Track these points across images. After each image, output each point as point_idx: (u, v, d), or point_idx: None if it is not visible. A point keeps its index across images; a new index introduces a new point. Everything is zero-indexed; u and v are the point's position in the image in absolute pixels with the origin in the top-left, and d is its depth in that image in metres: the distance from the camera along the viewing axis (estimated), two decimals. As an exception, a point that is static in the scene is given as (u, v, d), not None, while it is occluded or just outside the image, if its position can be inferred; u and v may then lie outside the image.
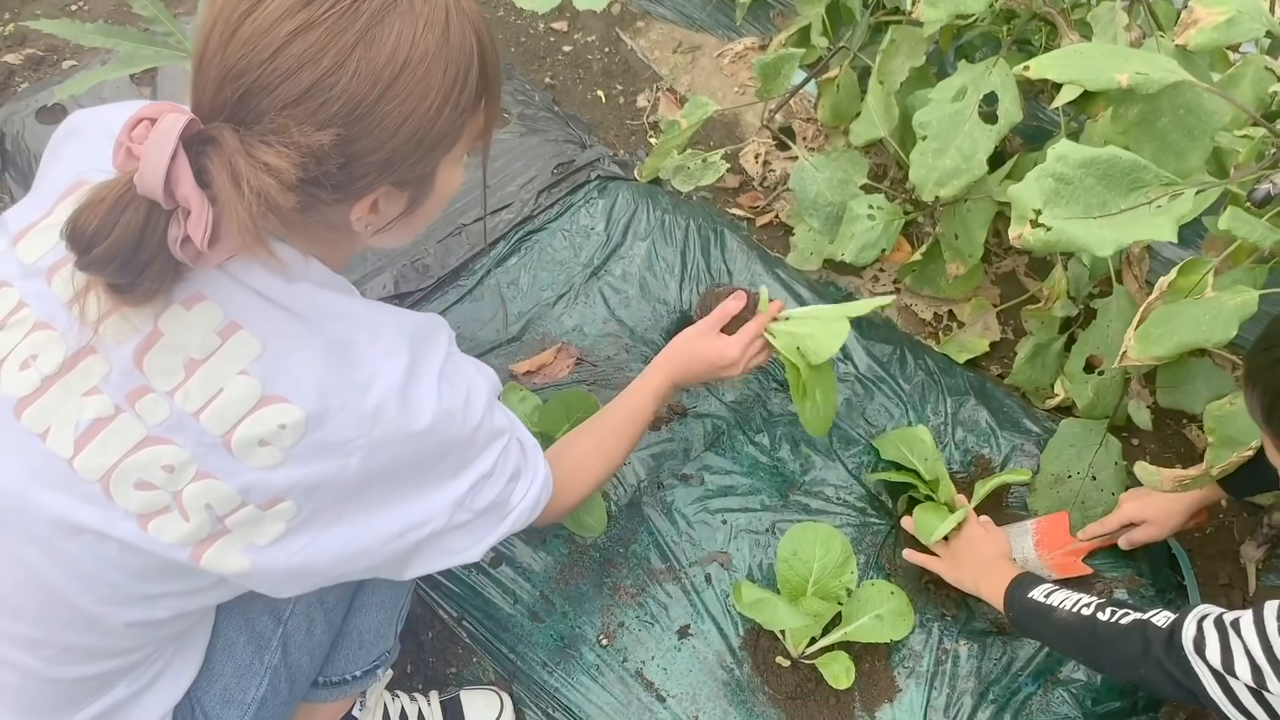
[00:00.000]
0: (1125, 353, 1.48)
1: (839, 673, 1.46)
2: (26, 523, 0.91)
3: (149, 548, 0.92)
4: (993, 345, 1.89)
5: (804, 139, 2.17)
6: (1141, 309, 1.47)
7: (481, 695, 1.51)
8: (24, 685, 0.99)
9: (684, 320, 1.84)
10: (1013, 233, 1.31)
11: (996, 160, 1.81)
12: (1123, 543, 1.56)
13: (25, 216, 0.97)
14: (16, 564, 0.93)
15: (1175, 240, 1.27)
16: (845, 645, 1.50)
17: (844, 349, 1.80)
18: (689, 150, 1.90)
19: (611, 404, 1.38)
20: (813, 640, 1.50)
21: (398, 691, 1.49)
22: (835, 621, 1.51)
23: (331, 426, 0.91)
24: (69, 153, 1.01)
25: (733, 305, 1.47)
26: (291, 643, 1.18)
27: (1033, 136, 1.99)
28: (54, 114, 2.11)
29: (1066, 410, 1.80)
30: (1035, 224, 1.28)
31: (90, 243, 0.81)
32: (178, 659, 1.10)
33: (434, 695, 1.50)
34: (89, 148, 0.99)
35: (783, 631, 1.51)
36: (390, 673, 1.43)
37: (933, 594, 1.57)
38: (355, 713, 1.42)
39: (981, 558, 1.49)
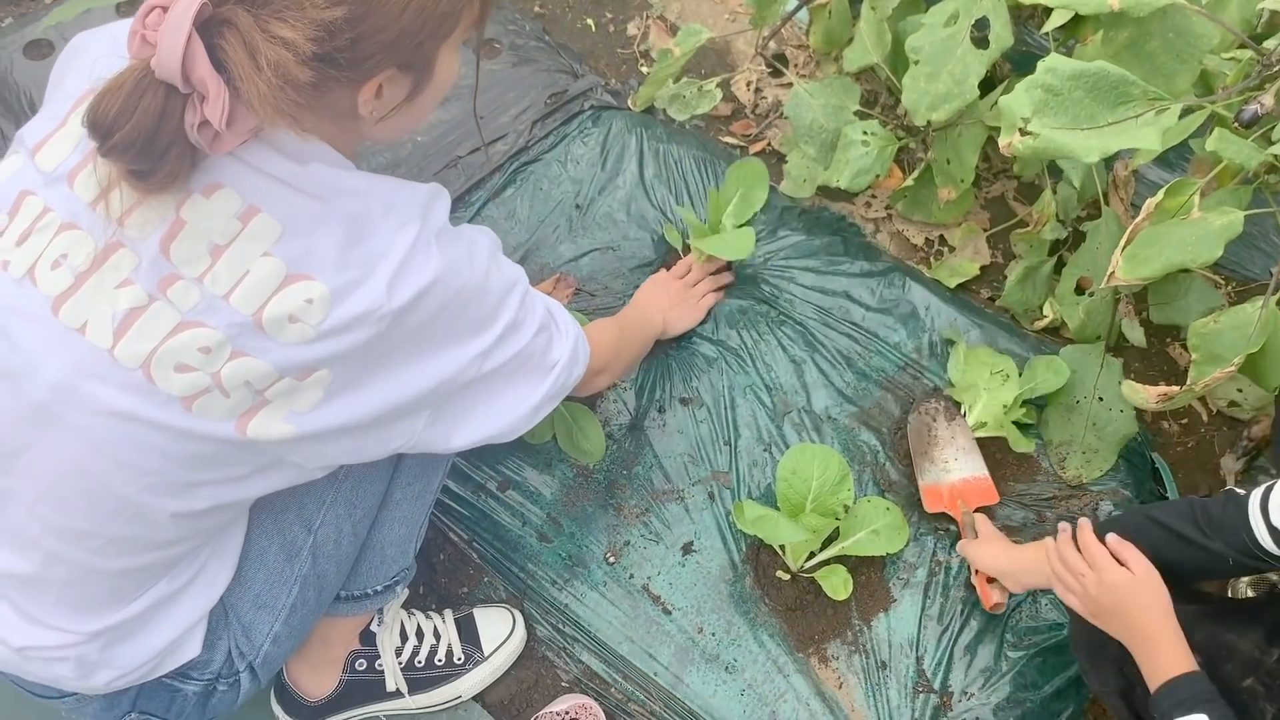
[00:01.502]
0: (1113, 273, 1.53)
1: (837, 585, 1.52)
2: (74, 415, 0.95)
3: (195, 427, 0.96)
4: (983, 269, 1.93)
5: (796, 66, 2.18)
6: (1129, 230, 1.51)
7: (494, 612, 1.56)
8: (71, 578, 1.04)
9: (676, 251, 1.87)
10: (1002, 141, 1.35)
11: (987, 85, 1.83)
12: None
13: (41, 129, 1.01)
14: (64, 456, 0.97)
15: (1159, 148, 1.30)
16: (842, 559, 1.56)
17: (828, 268, 1.85)
18: (684, 79, 1.91)
19: (625, 315, 1.62)
20: (811, 555, 1.56)
21: (413, 610, 1.55)
22: (833, 537, 1.56)
23: (356, 297, 0.96)
24: (77, 66, 1.03)
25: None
26: (321, 553, 1.23)
27: (1022, 62, 2.01)
28: (40, 49, 2.10)
29: (1054, 331, 1.85)
30: (1024, 132, 1.32)
31: (111, 128, 0.85)
32: (212, 563, 1.16)
33: (448, 613, 1.56)
34: (98, 58, 1.01)
35: (782, 546, 1.57)
36: (406, 592, 1.48)
37: (925, 509, 1.63)
38: (373, 628, 1.48)
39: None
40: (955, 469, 1.63)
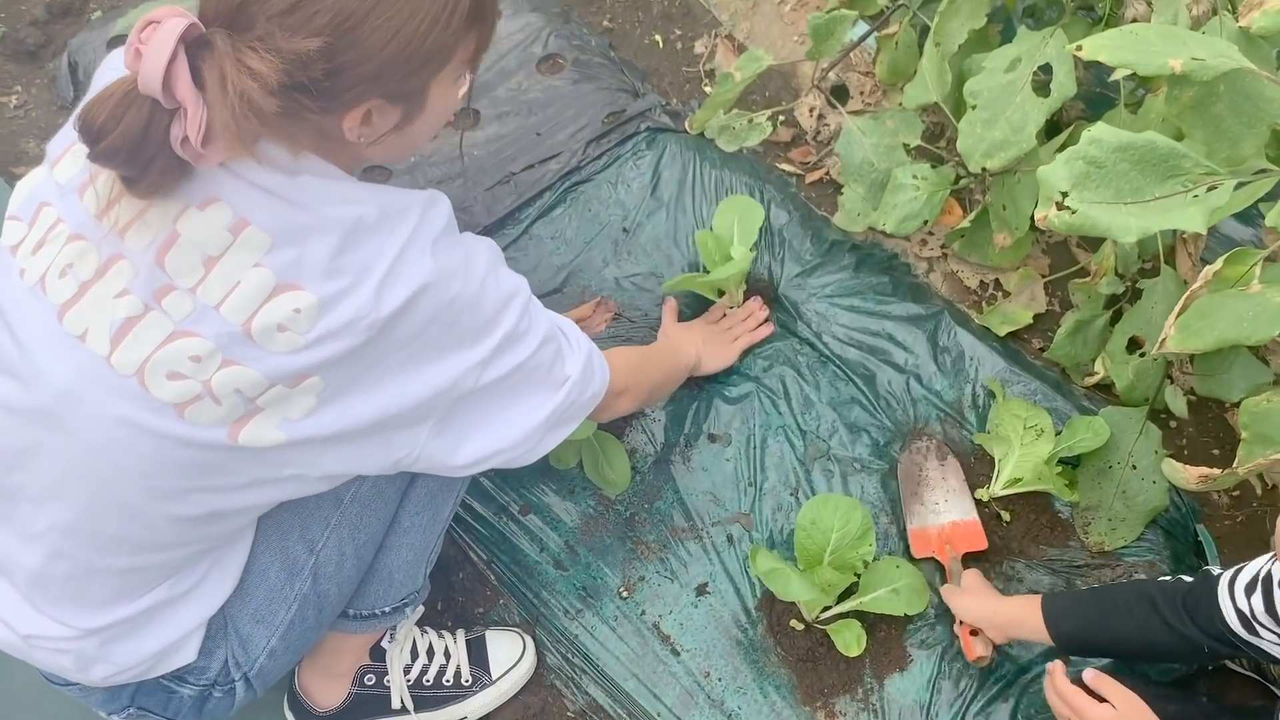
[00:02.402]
0: (1164, 341, 1.46)
1: (850, 640, 1.50)
2: (77, 419, 1.00)
3: (188, 434, 0.99)
4: (1036, 317, 1.86)
5: (861, 93, 2.13)
6: (1184, 297, 1.44)
7: (506, 636, 1.58)
8: (73, 574, 1.08)
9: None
10: (1038, 214, 1.30)
11: (1053, 129, 1.77)
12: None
13: (62, 142, 1.06)
14: (68, 458, 1.02)
15: (1203, 229, 1.24)
16: (860, 614, 1.53)
17: (875, 309, 1.81)
18: (734, 110, 1.89)
19: (654, 344, 1.67)
20: (827, 608, 1.53)
21: (426, 628, 1.57)
22: (852, 590, 1.54)
23: (344, 305, 0.98)
24: (105, 80, 1.06)
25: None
26: (322, 574, 1.26)
27: (1094, 103, 1.93)
28: (122, 43, 2.16)
29: (1105, 388, 1.78)
30: (1061, 206, 1.27)
31: (98, 134, 0.89)
32: (214, 573, 1.19)
33: (460, 634, 1.57)
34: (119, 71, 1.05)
35: (798, 596, 1.55)
36: (421, 609, 1.50)
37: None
38: (384, 644, 1.50)
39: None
40: (944, 512, 1.59)
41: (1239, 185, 1.29)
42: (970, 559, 1.58)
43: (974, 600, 1.47)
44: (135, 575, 1.11)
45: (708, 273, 1.77)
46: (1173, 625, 1.22)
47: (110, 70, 1.06)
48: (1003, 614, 1.42)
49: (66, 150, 1.04)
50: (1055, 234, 1.99)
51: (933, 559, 1.59)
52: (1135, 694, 1.21)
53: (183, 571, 1.15)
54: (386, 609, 1.41)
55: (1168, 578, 1.31)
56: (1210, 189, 1.23)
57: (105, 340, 0.98)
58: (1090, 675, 1.25)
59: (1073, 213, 1.19)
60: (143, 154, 0.91)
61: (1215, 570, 1.22)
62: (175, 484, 1.03)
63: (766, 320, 1.80)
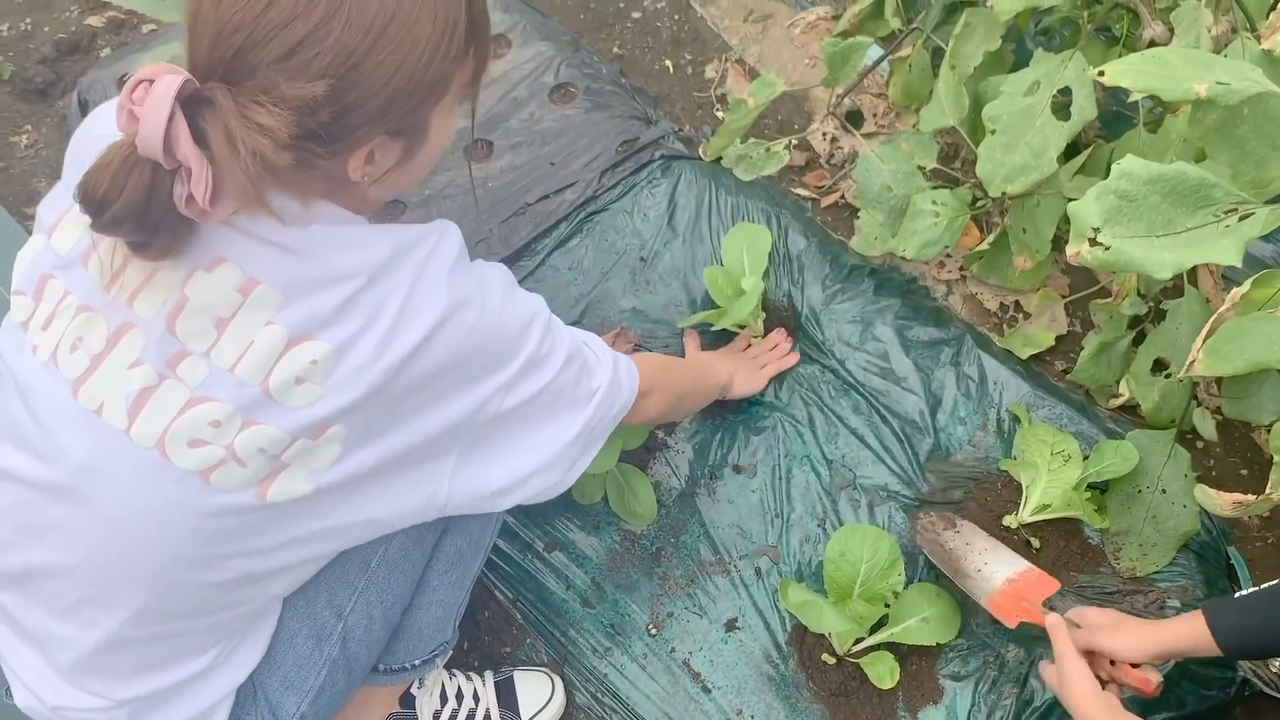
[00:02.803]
0: (1192, 364, 1.45)
1: (883, 673, 1.48)
2: (98, 494, 0.98)
3: (215, 501, 0.98)
4: (1059, 339, 1.85)
5: (874, 115, 2.13)
6: (1211, 321, 1.43)
7: (534, 677, 1.56)
8: (105, 645, 1.06)
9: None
10: (1070, 251, 1.28)
11: (1071, 150, 1.76)
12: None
13: (55, 208, 1.04)
14: (93, 533, 1.00)
15: (1239, 262, 1.23)
16: (892, 646, 1.52)
17: (896, 335, 1.80)
18: (751, 140, 1.88)
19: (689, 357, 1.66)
20: (859, 640, 1.52)
21: (454, 670, 1.56)
22: (883, 622, 1.52)
23: (359, 349, 0.96)
24: (90, 139, 1.04)
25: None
26: (351, 637, 1.24)
27: (1111, 123, 1.92)
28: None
29: (1131, 409, 1.77)
30: (1094, 242, 1.26)
31: (102, 205, 0.87)
32: (244, 645, 1.17)
33: (489, 675, 1.56)
34: (109, 134, 1.01)
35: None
36: (449, 653, 1.49)
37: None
38: (413, 691, 1.49)
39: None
40: (994, 574, 1.50)
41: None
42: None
43: (1130, 636, 1.33)
44: (168, 644, 1.08)
45: (721, 309, 1.76)
46: None
47: (93, 133, 1.05)
48: (1167, 640, 1.31)
49: (61, 217, 1.02)
50: (1074, 253, 1.98)
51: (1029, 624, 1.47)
52: None
53: (216, 640, 1.13)
54: (416, 662, 1.39)
55: None
56: (1243, 218, 1.22)
57: (122, 413, 0.96)
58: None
59: (1106, 249, 1.18)
60: (149, 219, 0.89)
61: None
62: (204, 551, 1.01)
63: (792, 350, 1.79)
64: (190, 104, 0.85)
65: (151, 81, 0.85)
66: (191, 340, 0.96)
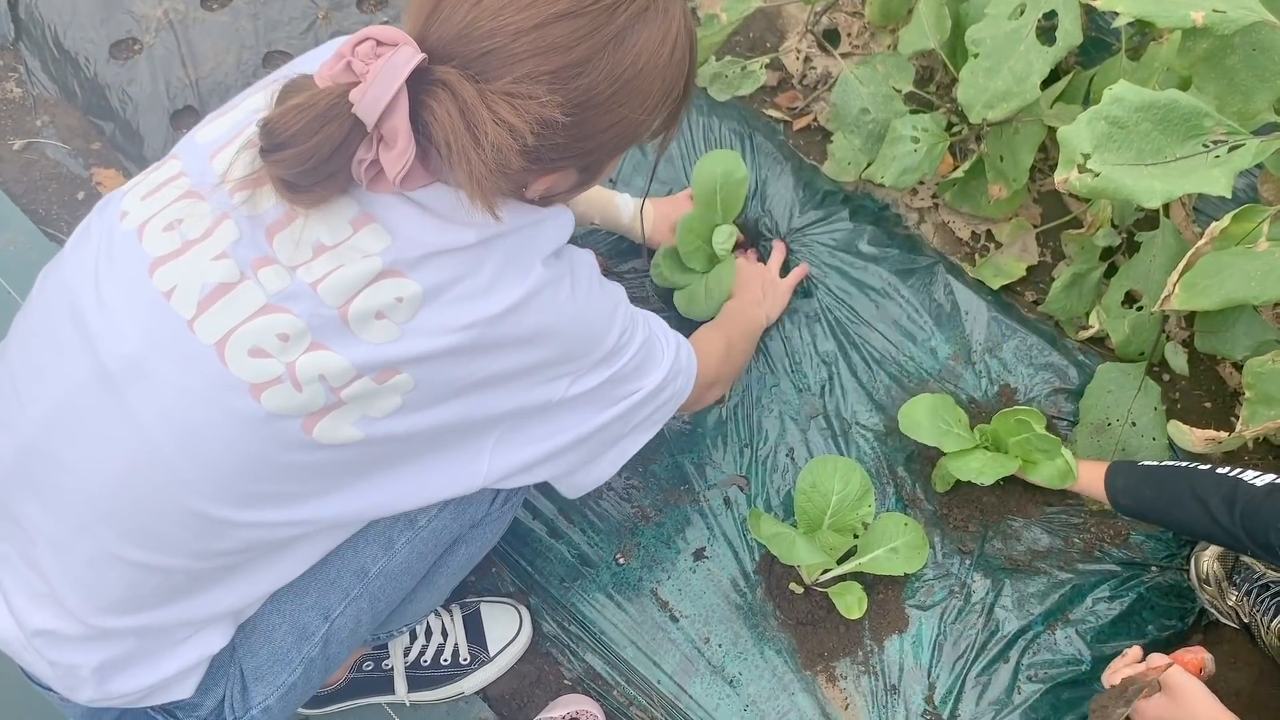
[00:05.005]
0: (1168, 298, 1.44)
1: (851, 603, 1.48)
2: (136, 397, 0.93)
3: (259, 421, 0.93)
4: (1030, 269, 1.83)
5: (849, 35, 2.06)
6: (1188, 255, 1.42)
7: (501, 609, 1.54)
8: (95, 556, 0.99)
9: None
10: (1058, 177, 1.26)
11: (1050, 77, 1.72)
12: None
13: (220, 111, 1.02)
14: (117, 435, 0.94)
15: (1229, 193, 1.21)
16: (859, 575, 1.52)
17: (868, 262, 1.77)
18: (727, 58, 1.81)
19: (727, 316, 1.57)
20: (826, 570, 1.52)
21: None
22: (851, 552, 1.52)
23: (445, 301, 0.93)
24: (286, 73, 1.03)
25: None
26: (334, 639, 1.19)
27: (1089, 50, 1.89)
28: (128, 47, 2.03)
29: (1099, 342, 1.76)
30: (1083, 169, 1.23)
31: (286, 142, 0.85)
32: (227, 601, 1.09)
33: (456, 610, 1.54)
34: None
35: (797, 559, 1.53)
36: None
37: (949, 529, 1.58)
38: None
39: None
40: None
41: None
42: None
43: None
44: (154, 578, 1.01)
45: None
46: (1222, 525, 1.25)
47: (292, 67, 1.03)
48: (1081, 479, 1.51)
49: (217, 117, 1.01)
50: (1048, 183, 1.95)
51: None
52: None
53: (197, 594, 1.05)
54: (396, 632, 1.39)
55: (1226, 470, 1.29)
56: (1233, 149, 1.20)
57: (193, 303, 0.92)
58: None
59: (1095, 175, 1.16)
60: (325, 169, 0.87)
61: None
62: (231, 480, 0.95)
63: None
64: (417, 80, 0.85)
65: (381, 42, 0.85)
66: (283, 252, 0.92)
